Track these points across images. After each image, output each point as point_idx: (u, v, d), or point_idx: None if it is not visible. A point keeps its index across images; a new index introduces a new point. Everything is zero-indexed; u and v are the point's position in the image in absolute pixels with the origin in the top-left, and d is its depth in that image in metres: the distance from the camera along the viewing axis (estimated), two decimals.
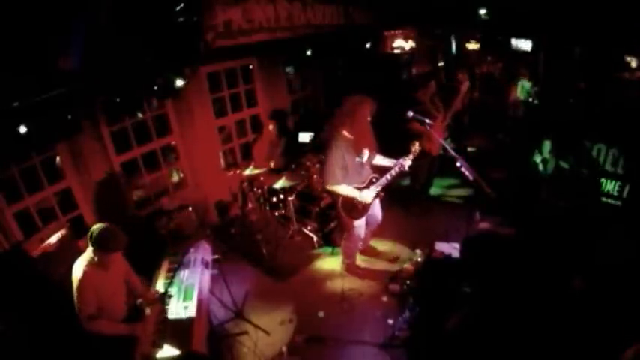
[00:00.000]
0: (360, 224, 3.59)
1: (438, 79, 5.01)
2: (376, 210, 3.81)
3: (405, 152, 3.46)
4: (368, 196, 3.39)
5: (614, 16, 4.24)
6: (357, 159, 3.35)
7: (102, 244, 2.37)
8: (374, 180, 3.49)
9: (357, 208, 3.45)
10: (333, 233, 4.65)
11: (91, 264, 2.43)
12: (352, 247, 3.87)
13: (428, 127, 3.53)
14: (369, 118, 3.25)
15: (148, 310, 2.68)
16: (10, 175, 3.56)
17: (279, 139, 5.44)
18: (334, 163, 3.22)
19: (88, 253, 2.45)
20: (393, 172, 3.43)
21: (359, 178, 3.42)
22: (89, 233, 2.39)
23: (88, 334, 2.38)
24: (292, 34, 4.66)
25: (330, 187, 3.33)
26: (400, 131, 4.18)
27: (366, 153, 3.41)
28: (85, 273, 2.39)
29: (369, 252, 4.29)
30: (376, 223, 3.96)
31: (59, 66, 2.81)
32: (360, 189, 3.41)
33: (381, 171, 3.54)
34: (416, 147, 3.42)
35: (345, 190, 3.32)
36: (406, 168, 3.43)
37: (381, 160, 3.59)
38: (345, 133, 3.26)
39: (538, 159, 4.58)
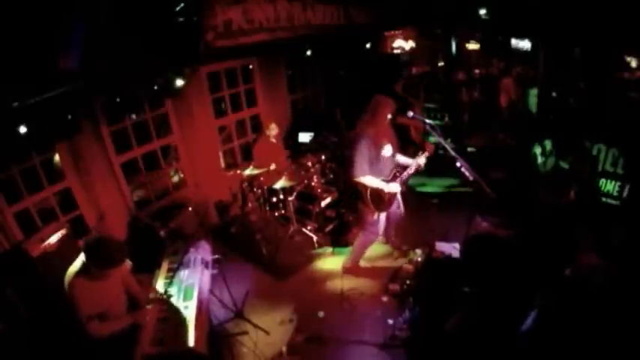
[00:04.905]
0: (379, 219, 3.77)
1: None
2: (397, 205, 3.96)
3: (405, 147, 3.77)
4: (394, 187, 3.59)
5: (613, 16, 4.23)
6: (382, 152, 3.55)
7: (99, 263, 2.19)
8: (397, 174, 3.69)
9: (383, 200, 3.64)
10: (336, 233, 4.68)
11: (83, 275, 2.25)
12: (367, 243, 3.96)
13: (428, 127, 3.59)
14: (389, 116, 3.50)
15: (148, 307, 2.65)
16: (10, 175, 3.56)
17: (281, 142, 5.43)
18: (360, 156, 3.42)
19: (81, 261, 2.27)
20: (411, 169, 3.69)
21: (384, 171, 3.62)
22: (83, 245, 2.20)
23: (89, 336, 2.30)
24: (292, 34, 4.65)
25: (357, 179, 3.48)
26: (398, 128, 4.23)
27: (389, 147, 3.61)
28: (74, 285, 2.22)
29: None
30: (398, 217, 4.09)
31: (59, 66, 2.81)
32: (386, 182, 3.60)
33: (401, 168, 3.77)
34: (431, 148, 3.78)
35: (372, 181, 3.49)
36: (422, 166, 3.71)
37: (400, 159, 3.82)
38: (369, 129, 3.47)
39: (538, 150, 4.56)
